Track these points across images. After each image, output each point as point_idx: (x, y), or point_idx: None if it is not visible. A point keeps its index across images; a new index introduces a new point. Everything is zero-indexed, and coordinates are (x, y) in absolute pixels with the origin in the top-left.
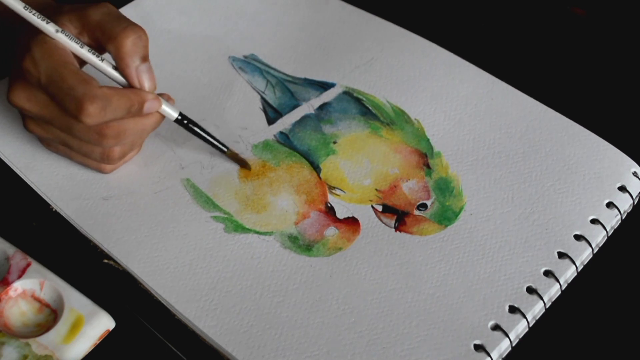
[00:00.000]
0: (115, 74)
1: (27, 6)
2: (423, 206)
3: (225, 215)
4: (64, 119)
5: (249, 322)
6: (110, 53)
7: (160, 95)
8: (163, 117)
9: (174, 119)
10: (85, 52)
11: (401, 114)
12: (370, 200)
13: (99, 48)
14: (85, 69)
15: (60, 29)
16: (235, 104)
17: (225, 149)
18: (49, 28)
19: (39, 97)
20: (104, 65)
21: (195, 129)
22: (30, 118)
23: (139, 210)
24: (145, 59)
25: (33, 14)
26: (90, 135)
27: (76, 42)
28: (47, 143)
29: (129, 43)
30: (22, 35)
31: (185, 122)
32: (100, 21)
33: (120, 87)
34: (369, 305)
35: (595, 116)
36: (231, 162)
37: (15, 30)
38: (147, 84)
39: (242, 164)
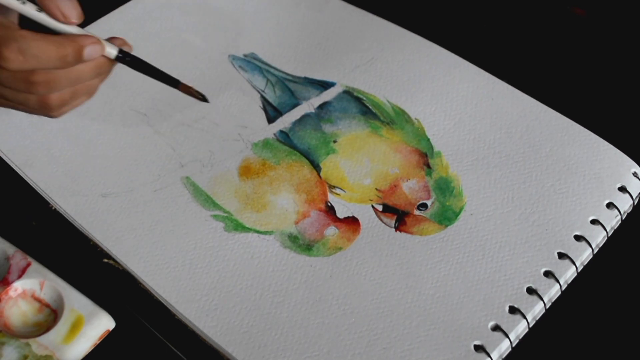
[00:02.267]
0: (42, 16)
1: None
2: (423, 206)
3: (225, 214)
4: None
5: (249, 322)
6: None
7: (113, 39)
8: (109, 63)
9: (114, 57)
10: None
11: (401, 114)
12: (371, 200)
13: None
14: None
15: None
16: (235, 102)
17: (177, 83)
18: None
19: None
20: (26, 8)
21: (140, 65)
22: None
23: (138, 209)
24: None
25: None
26: (18, 83)
27: None
28: None
29: None
30: None
31: (128, 59)
32: None
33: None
34: (369, 306)
35: (595, 116)
36: (232, 161)
37: None
38: (72, 14)
39: (199, 97)
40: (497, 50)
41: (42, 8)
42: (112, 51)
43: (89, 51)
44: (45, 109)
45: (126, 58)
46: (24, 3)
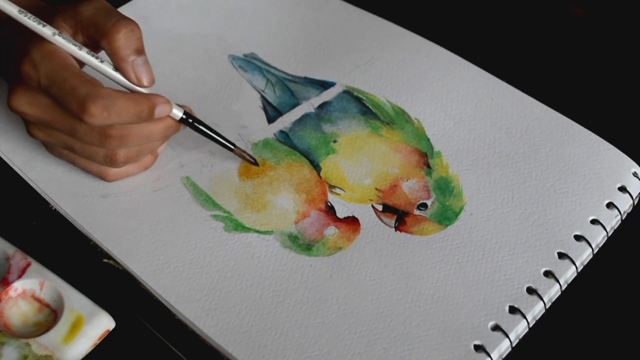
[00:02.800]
0: (116, 75)
1: (22, 10)
2: (423, 206)
3: (225, 214)
4: (67, 121)
5: (249, 322)
6: (104, 50)
7: (180, 105)
8: (175, 126)
9: (179, 118)
10: (84, 54)
11: (401, 114)
12: (371, 200)
13: (95, 46)
14: (88, 71)
15: (57, 32)
16: (235, 102)
17: (232, 147)
18: (46, 31)
19: (40, 100)
20: (103, 66)
21: (202, 127)
22: (32, 123)
23: (138, 209)
24: (140, 52)
25: (28, 18)
26: (93, 136)
27: (74, 45)
28: (50, 148)
29: (121, 37)
30: (21, 39)
31: (191, 120)
32: (92, 17)
33: (128, 91)
34: (369, 306)
35: (595, 116)
36: (232, 161)
37: (14, 34)
38: (144, 78)
39: (251, 160)
40: (497, 50)
41: (118, 69)
42: (178, 113)
43: (160, 109)
44: (109, 163)
45: (189, 120)
46: (101, 62)
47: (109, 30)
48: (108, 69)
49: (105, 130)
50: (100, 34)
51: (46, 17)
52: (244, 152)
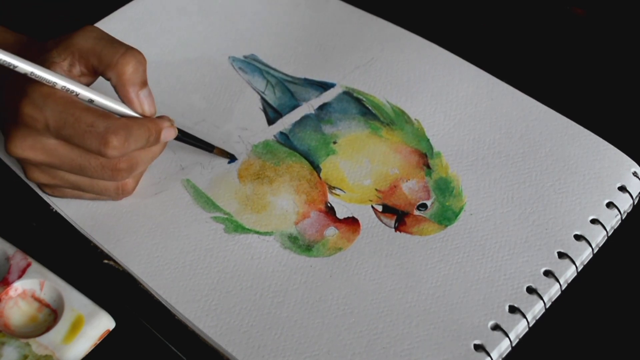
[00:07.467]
0: (116, 106)
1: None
2: (423, 206)
3: (226, 216)
4: (76, 162)
5: (249, 322)
6: (109, 80)
7: (161, 117)
8: (165, 142)
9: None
10: (89, 95)
11: (401, 114)
12: (370, 200)
13: (92, 75)
14: None
15: (59, 76)
16: (235, 104)
17: (212, 148)
18: (46, 77)
19: (45, 143)
20: (104, 101)
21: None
22: (34, 166)
23: (139, 211)
24: (145, 83)
25: (27, 64)
26: (104, 172)
27: (76, 85)
28: (51, 189)
29: (130, 70)
30: (11, 80)
31: (179, 135)
32: (94, 48)
33: (132, 117)
34: (369, 306)
35: (595, 116)
36: (232, 162)
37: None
38: (148, 109)
39: (228, 156)
40: (497, 50)
41: (122, 99)
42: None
43: (166, 133)
44: (122, 194)
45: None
46: (90, 102)
47: (117, 62)
48: (108, 102)
49: (116, 165)
50: (105, 65)
51: (35, 54)
52: (223, 150)
